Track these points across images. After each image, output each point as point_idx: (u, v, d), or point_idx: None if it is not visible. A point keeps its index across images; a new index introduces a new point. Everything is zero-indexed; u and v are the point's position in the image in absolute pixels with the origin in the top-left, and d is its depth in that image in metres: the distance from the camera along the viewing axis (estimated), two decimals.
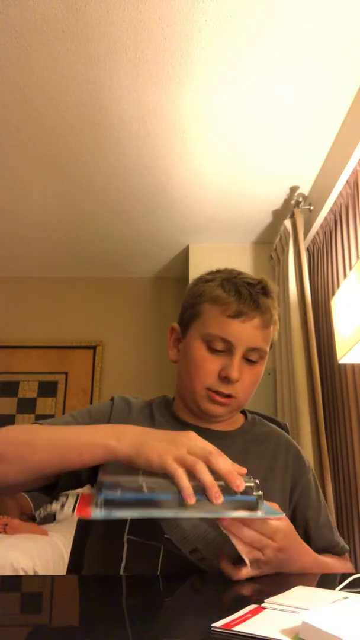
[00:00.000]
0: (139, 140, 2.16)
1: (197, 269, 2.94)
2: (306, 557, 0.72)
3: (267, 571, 0.65)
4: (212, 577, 0.70)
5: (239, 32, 1.64)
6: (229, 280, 0.88)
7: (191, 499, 0.57)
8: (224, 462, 0.61)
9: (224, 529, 0.62)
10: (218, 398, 0.85)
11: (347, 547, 0.90)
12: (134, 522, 0.78)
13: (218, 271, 0.93)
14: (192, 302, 0.91)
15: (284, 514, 0.64)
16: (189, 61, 1.76)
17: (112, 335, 3.43)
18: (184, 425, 0.89)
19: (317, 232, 2.47)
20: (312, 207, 2.42)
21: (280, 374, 2.54)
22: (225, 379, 0.84)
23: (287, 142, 2.16)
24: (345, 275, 2.05)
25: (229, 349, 0.85)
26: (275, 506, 0.66)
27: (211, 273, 0.93)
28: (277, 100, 1.93)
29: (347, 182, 2.05)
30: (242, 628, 0.43)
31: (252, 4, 1.54)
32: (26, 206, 2.68)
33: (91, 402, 3.25)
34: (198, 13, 1.58)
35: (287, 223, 2.51)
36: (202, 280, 0.92)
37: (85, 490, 0.71)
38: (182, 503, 0.58)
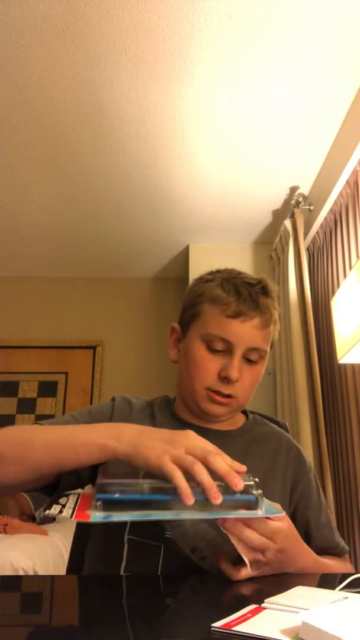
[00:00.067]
0: (139, 140, 2.16)
1: (197, 269, 2.94)
2: (306, 557, 0.72)
3: (267, 572, 0.65)
4: (212, 577, 0.70)
5: (239, 32, 1.64)
6: (228, 280, 0.88)
7: (189, 499, 0.57)
8: (222, 462, 0.61)
9: (224, 530, 0.61)
10: (218, 398, 0.85)
11: (347, 548, 0.90)
12: (135, 522, 0.77)
13: (218, 271, 0.93)
14: (192, 302, 0.91)
15: (284, 513, 0.64)
16: (189, 61, 1.76)
17: (112, 335, 3.43)
18: (185, 425, 0.89)
19: (317, 232, 2.47)
20: (312, 207, 2.42)
21: (280, 374, 2.54)
22: (225, 379, 0.84)
23: (287, 142, 2.16)
24: (345, 275, 2.05)
25: (228, 349, 0.85)
26: (277, 505, 0.66)
27: (211, 273, 0.93)
28: (277, 100, 1.93)
29: (347, 182, 2.05)
30: (242, 628, 0.43)
31: (252, 4, 1.54)
32: (26, 206, 2.68)
33: (91, 402, 3.25)
34: (198, 13, 1.58)
35: (287, 223, 2.51)
36: (202, 280, 0.93)
37: (87, 489, 0.71)
38: (181, 504, 0.58)
